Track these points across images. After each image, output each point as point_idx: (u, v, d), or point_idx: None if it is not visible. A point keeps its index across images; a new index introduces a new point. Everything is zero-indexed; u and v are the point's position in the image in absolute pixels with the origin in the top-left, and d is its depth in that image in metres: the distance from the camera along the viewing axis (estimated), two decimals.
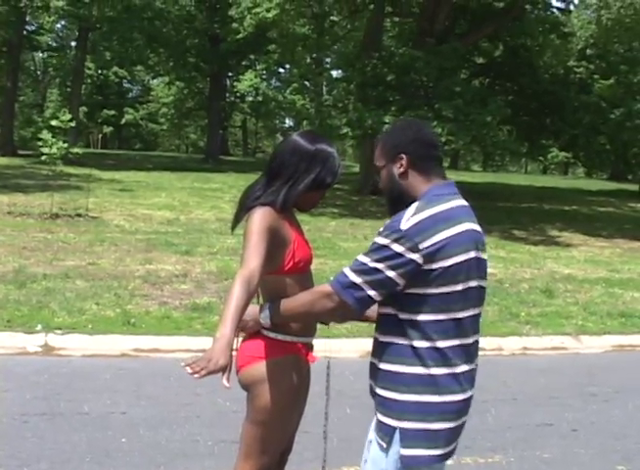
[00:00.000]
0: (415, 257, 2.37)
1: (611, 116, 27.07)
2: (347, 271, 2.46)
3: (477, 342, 2.61)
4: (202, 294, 8.81)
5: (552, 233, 17.73)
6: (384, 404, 2.54)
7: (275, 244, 2.75)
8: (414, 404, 2.46)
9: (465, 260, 2.46)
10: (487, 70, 26.46)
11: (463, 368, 2.51)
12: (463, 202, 2.64)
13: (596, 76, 29.13)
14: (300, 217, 3.03)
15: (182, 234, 13.26)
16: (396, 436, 2.48)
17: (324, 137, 2.99)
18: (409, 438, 2.47)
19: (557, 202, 25.77)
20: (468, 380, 2.55)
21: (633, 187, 35.48)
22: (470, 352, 2.55)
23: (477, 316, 2.58)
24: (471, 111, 18.23)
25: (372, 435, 2.65)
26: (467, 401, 2.56)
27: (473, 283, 2.51)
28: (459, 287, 2.46)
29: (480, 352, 2.65)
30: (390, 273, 2.40)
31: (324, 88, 36.21)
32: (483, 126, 18.48)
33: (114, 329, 7.20)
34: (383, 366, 2.55)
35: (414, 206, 2.46)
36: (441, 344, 2.46)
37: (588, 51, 31.04)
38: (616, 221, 21.14)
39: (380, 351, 2.58)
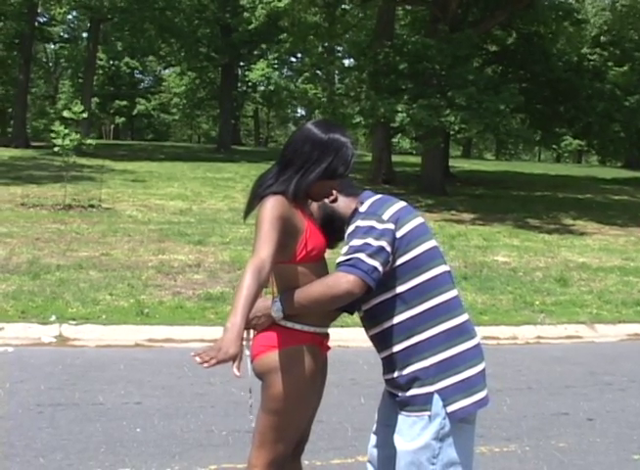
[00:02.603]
0: (387, 225, 2.64)
1: (625, 103, 26.81)
2: (345, 257, 2.61)
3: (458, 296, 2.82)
4: (215, 284, 8.82)
5: (566, 221, 17.64)
6: (414, 378, 2.66)
7: (287, 233, 2.72)
8: (442, 363, 2.64)
9: (420, 224, 2.75)
10: (500, 57, 26.31)
11: (465, 316, 2.75)
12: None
13: (610, 63, 28.88)
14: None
15: (195, 224, 13.27)
16: (435, 399, 2.62)
17: (339, 126, 2.95)
18: (449, 394, 2.62)
19: (571, 190, 25.63)
20: (472, 325, 2.79)
21: None
22: (461, 303, 2.80)
23: (449, 272, 2.81)
24: (484, 99, 18.11)
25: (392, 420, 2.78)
26: (479, 345, 2.78)
27: (433, 242, 2.77)
28: (427, 246, 2.72)
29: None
30: (379, 242, 2.60)
31: (336, 77, 36.13)
32: (497, 114, 18.36)
33: (128, 319, 7.22)
34: (397, 348, 2.70)
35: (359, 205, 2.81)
36: (444, 297, 2.70)
37: (602, 38, 30.79)
38: (630, 209, 21.00)
39: (387, 338, 2.73)
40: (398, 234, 2.66)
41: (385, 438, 2.90)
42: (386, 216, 2.66)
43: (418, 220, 2.76)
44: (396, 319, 2.69)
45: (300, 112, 61.04)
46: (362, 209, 2.74)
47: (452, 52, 19.15)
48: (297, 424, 2.94)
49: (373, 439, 3.01)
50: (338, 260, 2.64)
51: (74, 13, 42.20)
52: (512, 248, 12.98)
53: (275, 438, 2.87)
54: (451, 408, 2.61)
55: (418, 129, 19.10)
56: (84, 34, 45.10)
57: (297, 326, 2.82)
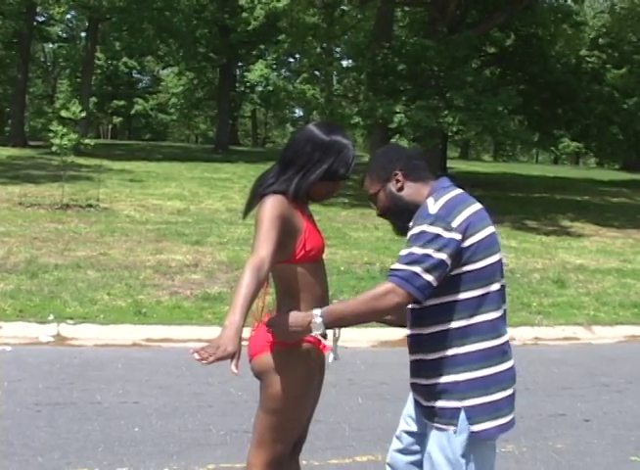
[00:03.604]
0: (453, 235, 2.51)
1: (623, 105, 26.83)
2: (400, 265, 2.51)
3: (506, 311, 2.73)
4: (212, 284, 8.82)
5: (564, 223, 17.65)
6: (443, 390, 2.60)
7: (286, 232, 2.74)
8: (474, 381, 2.57)
9: (490, 234, 2.64)
10: (499, 59, 26.31)
11: (506, 337, 2.68)
12: (460, 188, 2.78)
13: (608, 66, 28.86)
14: (311, 207, 3.01)
15: (192, 224, 13.27)
16: (462, 416, 2.56)
17: (340, 128, 2.98)
18: (476, 414, 2.57)
19: (568, 192, 25.65)
20: (510, 347, 2.71)
21: None
22: (506, 321, 2.70)
23: (504, 287, 2.71)
24: (482, 100, 18.13)
25: (416, 426, 2.79)
26: (513, 368, 2.71)
27: (497, 256, 2.66)
28: (491, 260, 2.61)
29: None
30: (440, 255, 2.49)
31: (334, 78, 36.14)
32: (495, 116, 18.37)
33: (126, 319, 7.22)
34: (432, 356, 2.63)
35: (430, 199, 2.61)
36: (489, 316, 2.60)
37: (601, 40, 30.74)
38: (628, 212, 21.02)
39: (425, 343, 2.66)
40: (465, 244, 2.54)
41: (409, 444, 2.88)
42: (455, 223, 2.53)
43: (488, 230, 2.64)
44: (440, 327, 2.60)
45: (298, 112, 60.98)
46: (433, 208, 2.57)
47: (451, 53, 19.17)
48: (296, 423, 2.95)
49: (396, 443, 2.95)
50: (393, 266, 2.55)
51: (73, 12, 42.19)
52: (510, 249, 12.97)
53: (274, 437, 2.88)
54: (475, 428, 2.56)
55: (416, 130, 19.08)
56: (82, 34, 45.04)
57: None
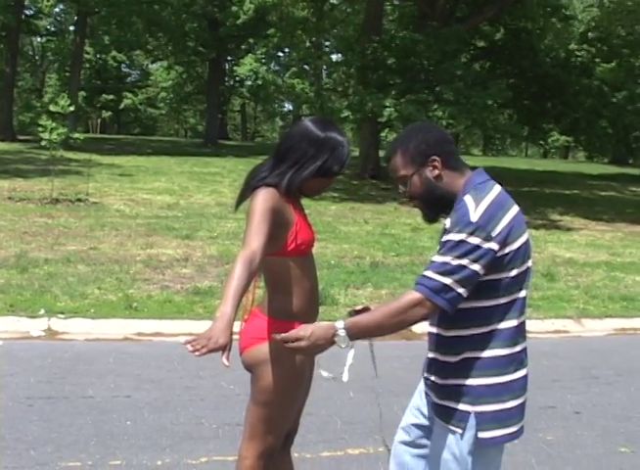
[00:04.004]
0: (491, 245, 2.41)
1: (612, 99, 26.94)
2: (433, 274, 2.42)
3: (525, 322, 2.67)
4: (203, 278, 8.82)
5: (553, 217, 17.72)
6: (456, 392, 2.56)
7: (278, 225, 2.75)
8: (489, 387, 2.51)
9: (526, 240, 2.54)
10: (488, 53, 26.36)
11: (524, 345, 2.61)
12: (498, 185, 2.67)
13: (598, 60, 28.96)
14: (301, 201, 3.02)
15: (182, 218, 13.26)
16: (471, 420, 2.51)
17: (336, 125, 2.99)
18: (486, 421, 2.51)
19: (558, 186, 25.74)
20: (526, 355, 2.65)
21: (634, 171, 35.45)
22: (525, 329, 2.64)
23: (527, 296, 2.64)
24: (472, 94, 18.17)
25: (426, 421, 2.74)
26: (527, 376, 2.64)
27: (530, 262, 2.59)
28: (525, 267, 2.54)
29: None
30: (475, 266, 2.41)
31: (324, 72, 36.12)
32: (484, 109, 18.42)
33: (117, 313, 7.21)
34: (449, 359, 2.58)
35: (470, 198, 2.48)
36: (510, 323, 2.53)
37: (590, 34, 30.79)
38: (616, 205, 21.13)
39: (444, 345, 2.60)
40: (501, 252, 2.44)
41: (417, 437, 2.84)
42: (495, 232, 2.41)
43: (524, 237, 2.53)
44: (462, 332, 2.55)
45: (288, 106, 60.94)
46: (474, 215, 2.42)
47: (440, 47, 19.21)
48: (287, 415, 2.97)
49: (402, 435, 2.89)
50: (426, 273, 2.45)
51: (61, 6, 42.03)
52: None
53: (265, 429, 2.90)
54: (483, 435, 2.51)
55: (406, 124, 19.07)
56: (71, 28, 44.78)
57: (286, 319, 2.84)
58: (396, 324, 2.49)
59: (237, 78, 46.01)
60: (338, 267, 9.73)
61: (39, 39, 52.89)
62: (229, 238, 11.38)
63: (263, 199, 2.75)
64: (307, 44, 35.47)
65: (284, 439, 3.04)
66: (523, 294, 2.56)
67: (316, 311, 2.99)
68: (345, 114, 20.56)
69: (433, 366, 2.68)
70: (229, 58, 43.62)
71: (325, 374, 2.88)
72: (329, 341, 2.51)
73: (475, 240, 2.39)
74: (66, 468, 4.04)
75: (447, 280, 2.40)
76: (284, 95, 50.46)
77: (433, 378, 2.66)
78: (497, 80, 20.23)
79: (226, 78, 45.46)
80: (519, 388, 2.58)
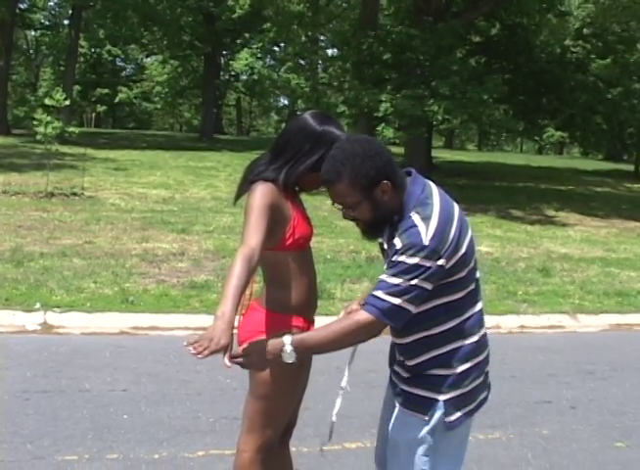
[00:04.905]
0: (441, 262, 2.42)
1: (607, 95, 26.98)
2: (383, 295, 2.43)
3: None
4: (199, 272, 8.81)
5: (548, 213, 17.75)
6: (425, 382, 2.59)
7: (275, 220, 2.75)
8: (457, 375, 2.58)
9: (470, 239, 2.57)
10: (484, 48, 26.34)
11: (484, 330, 2.69)
12: (429, 182, 2.67)
13: (593, 56, 29.00)
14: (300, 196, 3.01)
15: (178, 212, 13.24)
16: (439, 407, 2.56)
17: (335, 120, 2.95)
18: (453, 405, 2.57)
19: (553, 181, 25.78)
20: (485, 338, 2.72)
21: (629, 167, 35.50)
22: (483, 314, 2.69)
23: (479, 277, 2.68)
24: (467, 89, 18.17)
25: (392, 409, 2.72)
26: (488, 357, 2.72)
27: (472, 263, 2.60)
28: (472, 264, 2.57)
29: None
30: (426, 284, 2.42)
31: (319, 67, 36.06)
32: (480, 104, 18.42)
33: (113, 307, 7.20)
34: (424, 357, 2.60)
35: (418, 219, 2.45)
36: (469, 314, 2.59)
37: (585, 30, 30.84)
38: (611, 201, 21.17)
39: (415, 348, 2.61)
40: (451, 263, 2.46)
41: (384, 433, 2.86)
42: (444, 249, 2.42)
43: (469, 234, 2.57)
44: (420, 335, 2.58)
45: (283, 101, 60.92)
46: (426, 237, 2.40)
47: (436, 42, 19.19)
48: (286, 409, 2.97)
49: (378, 437, 2.95)
50: (376, 293, 2.44)
51: None
52: (495, 238, 13.05)
53: (264, 423, 2.90)
54: (450, 418, 2.57)
55: (401, 119, 19.10)
56: (66, 21, 44.68)
57: (285, 312, 2.84)
58: (345, 343, 2.53)
59: (232, 73, 46.00)
60: (334, 262, 9.74)
61: (34, 33, 52.78)
62: (225, 232, 11.37)
63: (260, 194, 2.74)
64: (303, 39, 35.44)
65: (283, 432, 3.05)
66: (473, 286, 2.60)
67: (315, 305, 2.99)
68: (341, 109, 20.56)
69: (397, 361, 2.73)
70: (224, 52, 43.54)
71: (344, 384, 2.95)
72: (277, 355, 2.51)
73: (428, 263, 2.39)
74: (63, 462, 4.03)
75: (397, 300, 2.41)
76: (279, 90, 50.34)
77: (398, 369, 2.71)
78: (493, 75, 20.22)
79: (221, 73, 45.39)
80: (481, 369, 2.65)
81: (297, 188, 2.92)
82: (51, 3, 45.07)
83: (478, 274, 2.65)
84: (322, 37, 39.46)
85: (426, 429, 2.58)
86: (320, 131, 2.84)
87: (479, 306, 2.63)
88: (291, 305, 2.86)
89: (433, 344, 2.57)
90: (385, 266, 2.52)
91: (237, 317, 3.00)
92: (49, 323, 6.71)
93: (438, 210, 2.48)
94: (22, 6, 37.15)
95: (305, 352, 2.54)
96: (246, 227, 2.67)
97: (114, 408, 4.79)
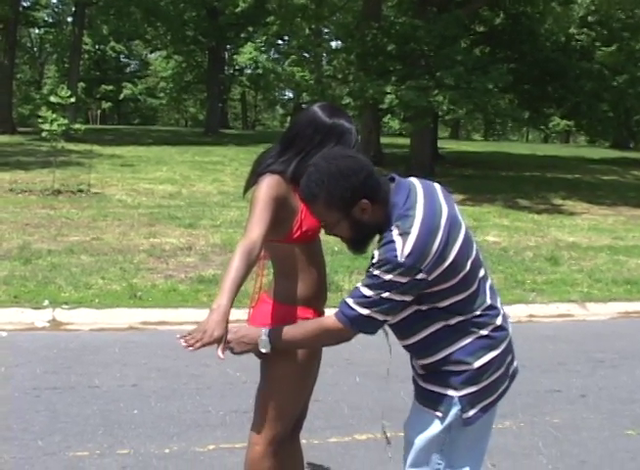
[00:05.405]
0: (421, 276, 2.37)
1: (613, 83, 26.87)
2: (352, 304, 2.43)
3: (492, 286, 2.63)
4: (207, 266, 8.82)
5: (555, 201, 17.70)
6: (441, 378, 2.55)
7: (282, 213, 2.74)
8: (476, 370, 2.52)
9: (461, 245, 2.46)
10: (488, 38, 26.24)
11: (500, 318, 2.59)
12: (417, 185, 2.57)
13: (598, 43, 28.89)
14: None
15: (185, 207, 13.25)
16: (455, 404, 2.52)
17: (344, 112, 2.93)
18: (468, 402, 2.53)
19: (559, 170, 25.69)
20: (506, 320, 2.64)
21: (636, 155, 35.34)
22: (496, 299, 2.62)
23: (485, 274, 2.61)
24: (472, 79, 18.10)
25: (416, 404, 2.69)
26: (510, 340, 2.66)
27: (473, 252, 2.54)
28: (467, 268, 2.49)
29: None
30: (400, 297, 2.39)
31: (324, 59, 36.01)
32: (485, 94, 18.36)
33: (121, 303, 7.21)
34: (436, 357, 2.55)
35: (396, 234, 2.38)
36: (476, 312, 2.52)
37: (590, 18, 30.70)
38: (619, 189, 21.09)
39: (422, 348, 2.57)
40: (434, 274, 2.39)
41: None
42: (424, 264, 2.35)
43: (460, 240, 2.47)
44: (431, 329, 2.52)
45: (288, 94, 60.87)
46: (402, 254, 2.34)
47: (440, 33, 19.10)
48: (297, 402, 2.97)
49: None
50: (347, 301, 2.44)
51: None
52: (502, 228, 13.02)
53: (275, 416, 2.89)
54: (467, 415, 2.53)
55: (407, 111, 19.05)
56: (69, 18, 44.72)
57: (294, 304, 2.84)
58: (317, 343, 2.67)
59: (237, 67, 45.98)
60: (341, 254, 9.70)
61: (37, 31, 52.76)
62: (232, 226, 11.37)
63: (267, 187, 2.73)
64: (307, 32, 35.34)
65: (293, 425, 3.05)
66: (476, 285, 2.52)
67: (325, 296, 2.98)
68: (346, 101, 20.49)
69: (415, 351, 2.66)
70: (228, 46, 43.50)
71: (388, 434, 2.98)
72: (253, 341, 2.62)
73: (403, 279, 2.35)
74: (74, 458, 4.05)
75: (365, 311, 2.40)
76: (284, 83, 50.42)
77: (415, 366, 2.67)
78: (497, 65, 20.12)
79: (226, 67, 45.34)
80: (500, 361, 2.58)
81: None
82: (54, 0, 45.13)
83: (482, 273, 2.57)
84: (326, 30, 39.39)
85: (441, 426, 2.54)
86: (330, 124, 2.82)
87: (487, 303, 2.55)
88: (300, 296, 2.85)
89: (439, 343, 2.52)
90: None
91: (248, 310, 3.02)
92: (58, 320, 6.72)
93: (420, 222, 2.39)
94: (25, 4, 37.21)
95: (278, 344, 2.61)
96: (249, 219, 2.67)
97: (125, 404, 4.80)
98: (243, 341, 2.63)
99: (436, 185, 2.66)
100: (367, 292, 2.40)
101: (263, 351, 2.62)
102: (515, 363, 2.73)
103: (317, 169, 2.46)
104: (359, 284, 2.44)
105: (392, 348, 2.72)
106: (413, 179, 2.62)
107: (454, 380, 2.52)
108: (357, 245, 2.59)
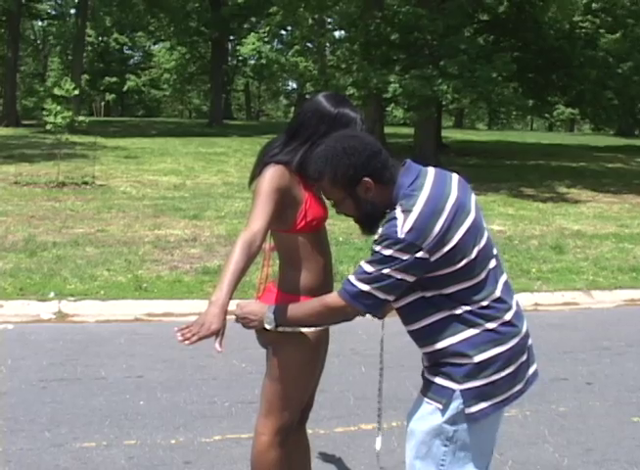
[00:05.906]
0: (421, 255, 2.37)
1: (618, 70, 26.73)
2: (354, 280, 2.45)
3: (507, 282, 2.62)
4: (212, 257, 8.83)
5: (560, 190, 17.65)
6: (443, 370, 2.53)
7: (286, 203, 2.74)
8: (476, 365, 2.48)
9: (467, 231, 2.45)
10: (492, 26, 26.11)
11: (510, 313, 2.55)
12: (430, 170, 2.59)
13: (602, 31, 28.72)
14: None
15: (189, 199, 13.25)
16: (457, 397, 2.49)
17: (349, 101, 2.92)
18: (472, 396, 2.49)
19: (564, 159, 25.63)
20: (519, 318, 2.60)
21: None
22: (510, 295, 2.59)
23: (496, 266, 2.57)
24: (476, 67, 18.04)
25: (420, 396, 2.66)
26: (524, 340, 2.60)
27: (482, 242, 2.52)
28: (472, 256, 2.46)
29: None
30: (402, 275, 2.40)
31: (327, 49, 35.89)
32: (489, 82, 18.29)
33: (127, 294, 7.23)
34: (437, 346, 2.53)
35: (399, 211, 2.41)
36: (483, 303, 2.49)
37: (594, 5, 30.48)
38: (624, 177, 21.02)
39: (425, 335, 2.56)
40: (436, 256, 2.38)
41: None
42: (425, 242, 2.36)
43: (463, 228, 2.45)
44: (437, 317, 2.50)
45: (292, 85, 60.70)
46: (402, 230, 2.36)
47: (444, 21, 19.04)
48: (303, 391, 2.97)
49: None
50: (350, 278, 2.46)
51: None
52: (507, 216, 13.00)
53: (282, 406, 2.90)
54: (470, 410, 2.50)
55: (411, 100, 19.00)
56: (72, 10, 44.70)
57: (300, 293, 2.84)
58: (320, 319, 2.64)
59: (240, 58, 45.89)
60: (346, 244, 9.73)
61: (40, 23, 52.74)
62: (237, 217, 11.37)
63: (269, 178, 2.73)
64: (310, 21, 35.18)
65: (300, 414, 3.05)
66: (485, 273, 2.49)
67: (330, 286, 2.96)
68: (350, 90, 20.43)
69: (418, 338, 2.65)
70: (232, 37, 43.44)
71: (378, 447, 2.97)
72: (259, 317, 2.67)
73: (404, 255, 2.36)
74: (81, 449, 4.06)
75: (365, 287, 2.42)
76: (287, 73, 50.18)
77: (422, 357, 2.65)
78: (501, 53, 20.05)
79: (229, 58, 45.34)
80: (506, 359, 2.52)
81: None
82: None
83: (492, 264, 2.54)
84: (329, 19, 39.16)
85: (442, 418, 2.52)
86: (335, 113, 2.81)
87: (496, 295, 2.52)
88: (305, 286, 2.85)
89: (443, 332, 2.50)
90: None
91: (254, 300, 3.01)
92: (64, 312, 6.74)
93: (424, 201, 2.42)
94: None
95: (283, 322, 2.64)
96: (252, 210, 2.67)
97: (131, 395, 4.82)
98: (248, 317, 2.69)
99: (454, 174, 2.67)
100: (368, 268, 2.42)
101: (268, 327, 2.65)
102: (533, 368, 2.67)
103: (324, 149, 2.55)
104: (362, 261, 2.47)
105: (401, 338, 2.72)
106: (429, 167, 2.62)
107: (455, 373, 2.50)
108: (367, 225, 2.61)
